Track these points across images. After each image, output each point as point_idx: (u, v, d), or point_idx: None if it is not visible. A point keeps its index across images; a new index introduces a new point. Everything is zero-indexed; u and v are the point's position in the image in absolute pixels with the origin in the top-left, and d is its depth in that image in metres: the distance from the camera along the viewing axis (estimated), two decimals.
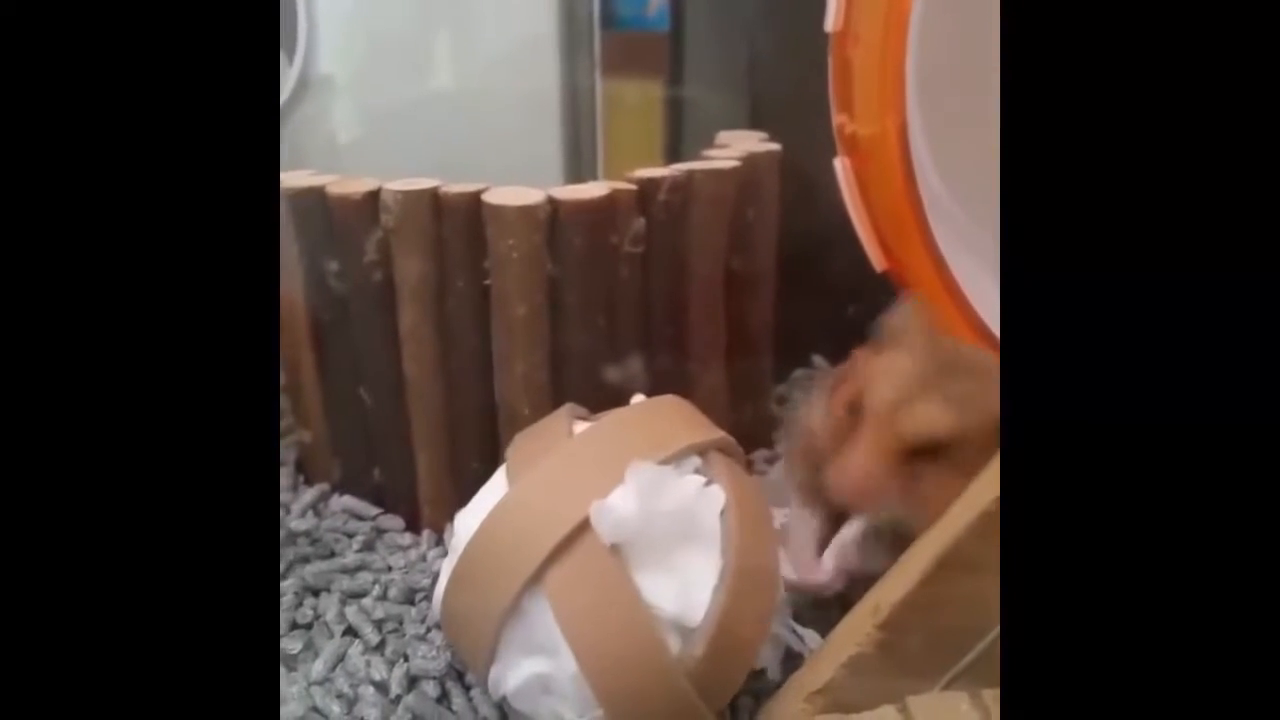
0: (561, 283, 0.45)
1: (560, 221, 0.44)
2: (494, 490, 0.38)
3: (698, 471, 0.37)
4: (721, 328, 0.52)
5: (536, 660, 0.35)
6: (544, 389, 0.46)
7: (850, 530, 0.39)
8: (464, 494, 0.39)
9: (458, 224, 0.44)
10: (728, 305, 0.51)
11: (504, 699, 0.37)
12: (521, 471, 0.37)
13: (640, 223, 0.46)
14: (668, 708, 0.33)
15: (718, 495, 0.36)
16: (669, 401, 0.40)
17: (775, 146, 0.54)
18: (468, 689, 0.41)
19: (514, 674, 0.35)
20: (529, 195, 0.43)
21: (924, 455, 0.37)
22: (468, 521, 0.37)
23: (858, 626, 0.34)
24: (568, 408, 0.40)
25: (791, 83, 0.57)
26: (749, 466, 0.41)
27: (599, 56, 0.65)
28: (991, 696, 0.31)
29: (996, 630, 0.32)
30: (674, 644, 0.34)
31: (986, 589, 0.32)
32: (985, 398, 0.39)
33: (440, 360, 0.47)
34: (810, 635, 0.40)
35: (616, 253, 0.46)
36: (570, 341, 0.46)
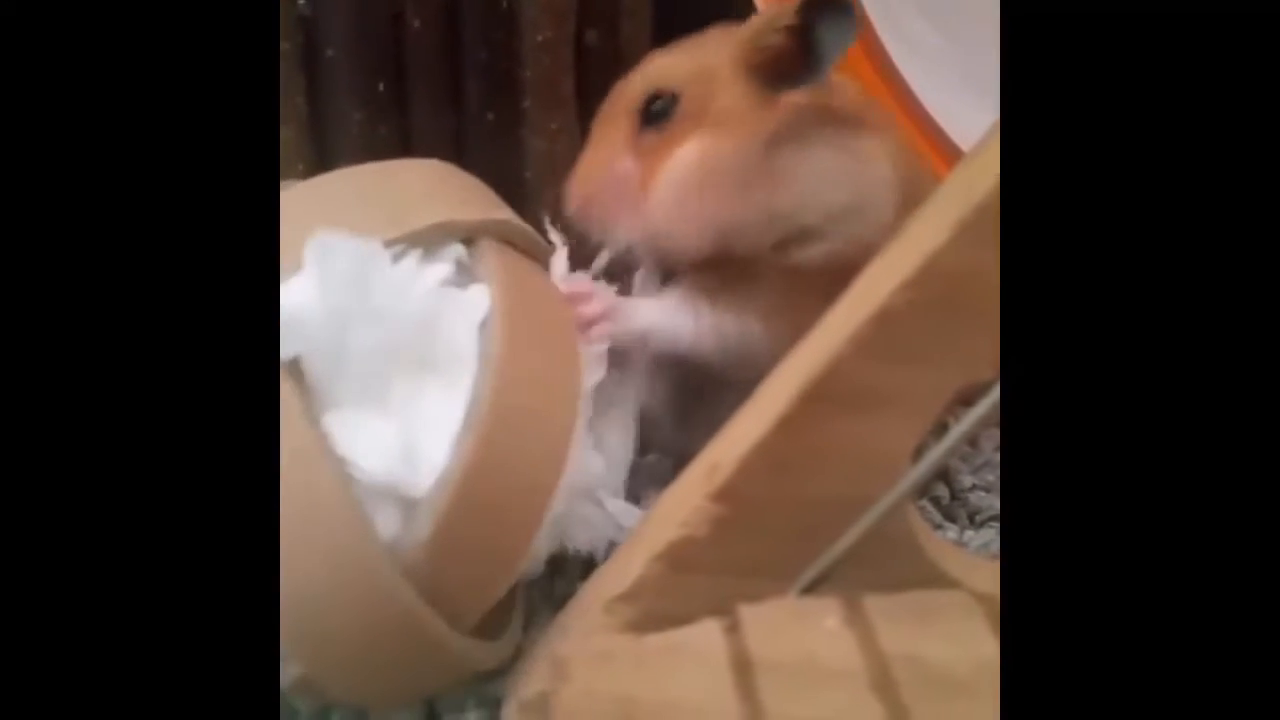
0: (318, 27, 0.32)
1: None
2: None
3: (459, 266, 0.24)
4: (572, 115, 0.38)
5: None
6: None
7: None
8: None
9: None
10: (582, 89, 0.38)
11: None
12: None
13: None
14: (374, 622, 0.21)
15: (476, 300, 0.24)
16: (429, 166, 0.27)
17: None
18: None
19: None
20: None
21: (658, 121, 0.29)
22: None
23: (684, 499, 0.22)
24: None
25: None
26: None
27: None
28: (878, 607, 0.20)
29: (887, 503, 0.20)
30: (388, 524, 0.22)
31: (878, 434, 0.21)
32: (728, 39, 0.29)
33: None
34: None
35: None
36: (335, 113, 0.33)
